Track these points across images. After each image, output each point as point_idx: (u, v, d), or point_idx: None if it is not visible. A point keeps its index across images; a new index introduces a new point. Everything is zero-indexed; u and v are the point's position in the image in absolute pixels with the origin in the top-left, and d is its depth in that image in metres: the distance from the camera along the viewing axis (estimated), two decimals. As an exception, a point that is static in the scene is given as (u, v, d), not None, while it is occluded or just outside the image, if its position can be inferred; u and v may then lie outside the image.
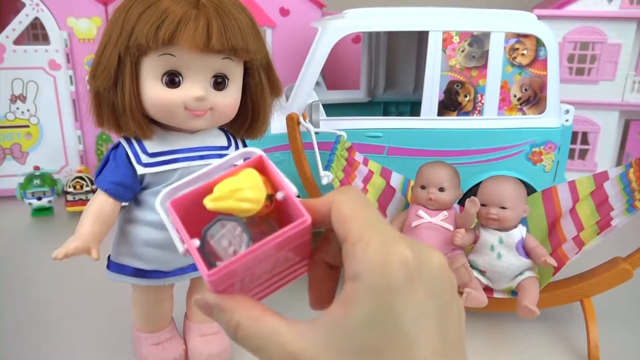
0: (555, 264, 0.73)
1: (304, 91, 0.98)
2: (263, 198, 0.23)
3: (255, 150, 0.25)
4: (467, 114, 1.02)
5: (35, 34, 1.39)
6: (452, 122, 1.02)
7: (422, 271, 0.21)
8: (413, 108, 1.39)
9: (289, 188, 0.24)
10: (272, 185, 0.24)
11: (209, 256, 0.23)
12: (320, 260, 0.25)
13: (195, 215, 0.24)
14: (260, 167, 0.25)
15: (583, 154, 1.43)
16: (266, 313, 0.22)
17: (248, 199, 0.23)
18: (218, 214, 0.23)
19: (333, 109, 1.20)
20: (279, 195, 0.24)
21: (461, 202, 0.87)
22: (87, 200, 0.94)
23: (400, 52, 1.41)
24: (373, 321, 0.20)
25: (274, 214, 0.25)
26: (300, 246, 0.25)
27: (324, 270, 0.25)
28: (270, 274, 0.25)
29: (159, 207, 0.24)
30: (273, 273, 0.25)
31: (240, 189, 0.23)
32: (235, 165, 0.25)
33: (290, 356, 0.21)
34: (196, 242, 0.23)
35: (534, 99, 1.02)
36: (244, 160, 0.26)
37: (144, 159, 0.56)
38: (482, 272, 0.79)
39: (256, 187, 0.23)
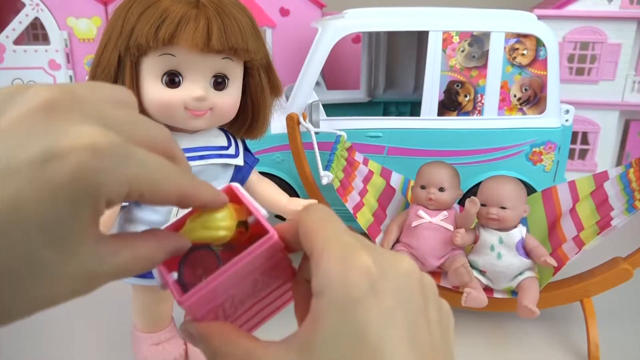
0: (555, 264, 0.73)
1: (304, 91, 0.98)
2: (234, 225, 0.24)
3: (231, 184, 0.26)
4: (467, 114, 1.02)
5: (35, 34, 1.39)
6: (452, 122, 1.02)
7: (387, 278, 0.20)
8: (413, 108, 1.39)
9: (258, 211, 0.25)
10: (248, 211, 0.25)
11: (187, 287, 0.23)
12: (303, 280, 0.25)
13: None
14: (232, 195, 0.26)
15: (583, 154, 1.43)
16: (241, 336, 0.23)
17: (219, 226, 0.24)
18: (193, 244, 0.24)
19: (333, 109, 1.20)
20: (250, 219, 0.25)
21: (461, 202, 0.87)
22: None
23: (400, 52, 1.41)
24: (339, 335, 0.19)
25: (257, 240, 0.25)
26: (276, 267, 0.25)
27: (307, 290, 0.25)
28: (254, 300, 0.25)
29: None
30: (257, 298, 0.26)
31: (210, 219, 0.24)
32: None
33: None
34: (174, 275, 0.24)
35: (534, 99, 1.02)
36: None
37: (144, 159, 0.56)
38: (482, 272, 0.79)
39: (226, 216, 0.24)
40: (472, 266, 0.79)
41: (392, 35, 1.39)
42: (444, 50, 0.99)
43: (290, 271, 0.26)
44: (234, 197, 0.25)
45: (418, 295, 0.21)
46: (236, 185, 0.26)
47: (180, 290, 0.23)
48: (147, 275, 0.62)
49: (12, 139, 0.16)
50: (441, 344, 0.21)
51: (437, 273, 0.83)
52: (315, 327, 0.20)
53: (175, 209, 0.58)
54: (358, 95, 1.40)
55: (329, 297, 0.20)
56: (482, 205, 0.78)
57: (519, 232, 0.77)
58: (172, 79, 0.53)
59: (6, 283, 0.17)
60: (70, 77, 1.29)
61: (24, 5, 1.23)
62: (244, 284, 0.24)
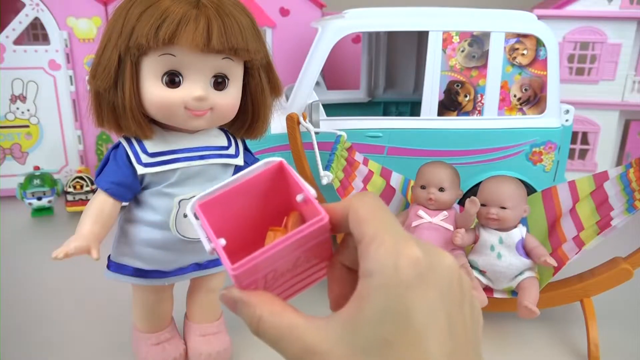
0: (556, 264, 0.73)
1: (304, 91, 0.98)
2: None
3: (276, 159, 0.27)
4: (467, 114, 1.02)
5: (35, 34, 1.39)
6: (452, 122, 1.02)
7: (433, 270, 0.21)
8: (413, 108, 1.39)
9: (308, 190, 0.25)
10: (298, 189, 0.26)
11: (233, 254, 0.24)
12: (339, 263, 0.26)
13: (221, 216, 0.26)
14: (281, 172, 0.26)
15: (583, 154, 1.43)
16: (286, 308, 0.24)
17: None
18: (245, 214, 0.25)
19: (333, 109, 1.20)
20: (299, 198, 0.26)
21: (461, 202, 0.87)
22: (87, 200, 0.94)
23: (400, 52, 1.41)
24: (385, 316, 0.20)
25: (299, 216, 0.26)
26: (319, 245, 0.26)
27: (343, 273, 0.26)
28: (292, 273, 0.26)
29: (189, 213, 0.26)
30: (295, 272, 0.26)
31: None
32: (258, 172, 0.26)
33: (306, 349, 0.22)
34: (222, 241, 0.24)
35: (534, 99, 1.02)
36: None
37: (144, 158, 0.56)
38: (482, 272, 0.79)
39: None
40: (472, 266, 0.79)
41: (392, 35, 1.39)
42: (444, 50, 0.99)
43: (329, 251, 0.27)
44: (282, 173, 0.26)
45: (457, 290, 0.22)
46: (285, 162, 0.27)
47: (230, 261, 0.24)
48: (148, 275, 0.62)
49: None
50: (473, 337, 0.22)
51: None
52: (361, 306, 0.21)
53: (175, 209, 0.58)
54: (358, 95, 1.40)
55: (378, 279, 0.21)
56: (482, 205, 0.78)
57: (519, 232, 0.77)
58: (172, 79, 0.53)
59: None
60: (70, 77, 1.29)
61: (24, 5, 1.23)
62: (289, 258, 0.25)
